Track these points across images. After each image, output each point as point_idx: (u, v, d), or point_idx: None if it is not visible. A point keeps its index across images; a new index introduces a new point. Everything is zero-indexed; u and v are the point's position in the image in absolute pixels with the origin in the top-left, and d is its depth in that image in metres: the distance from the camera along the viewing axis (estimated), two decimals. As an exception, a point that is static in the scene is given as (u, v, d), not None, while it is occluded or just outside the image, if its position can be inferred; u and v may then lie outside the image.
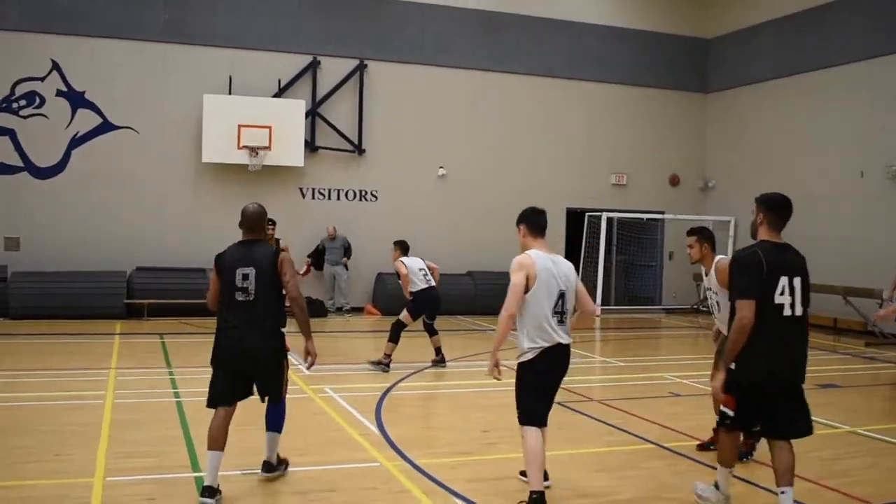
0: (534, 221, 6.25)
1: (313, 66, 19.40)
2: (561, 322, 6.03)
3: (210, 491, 5.95)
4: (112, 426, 8.11)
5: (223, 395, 6.35)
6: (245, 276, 6.24)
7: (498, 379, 6.02)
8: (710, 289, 7.48)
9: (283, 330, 6.39)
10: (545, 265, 6.03)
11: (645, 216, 21.93)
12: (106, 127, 18.10)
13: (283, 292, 6.34)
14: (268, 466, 6.69)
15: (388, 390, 10.31)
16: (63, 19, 17.78)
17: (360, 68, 19.75)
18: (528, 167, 21.14)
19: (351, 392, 10.07)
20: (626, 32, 22.11)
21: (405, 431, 8.28)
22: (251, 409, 9.32)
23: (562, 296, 6.03)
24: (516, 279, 5.95)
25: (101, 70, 18.03)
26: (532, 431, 6.00)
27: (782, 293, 5.62)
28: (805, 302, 5.74)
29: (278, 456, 6.75)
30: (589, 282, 21.17)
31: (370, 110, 19.90)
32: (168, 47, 18.42)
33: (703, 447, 7.79)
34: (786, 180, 20.29)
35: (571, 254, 21.56)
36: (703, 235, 7.56)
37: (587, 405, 9.68)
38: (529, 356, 5.99)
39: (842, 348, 15.59)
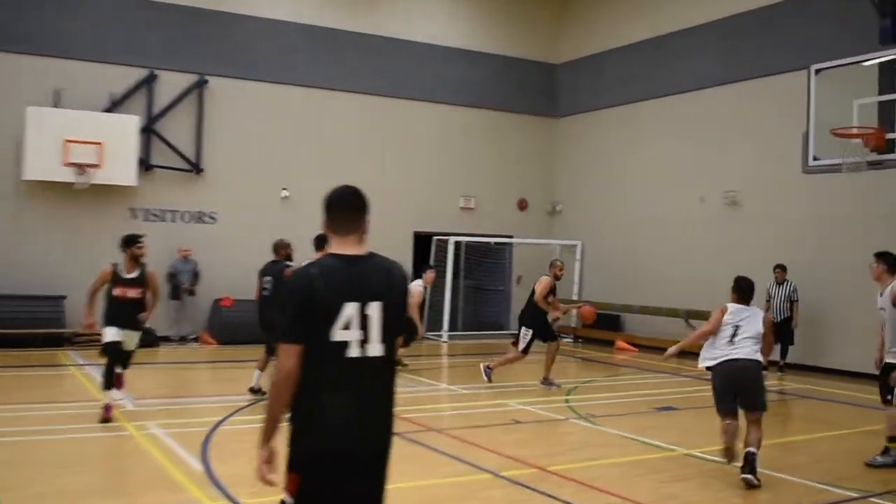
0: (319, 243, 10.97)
1: (149, 81, 18.76)
2: None
3: None
4: None
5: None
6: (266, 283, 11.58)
7: None
8: (883, 308, 8.76)
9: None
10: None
11: (493, 240, 22.23)
12: (-87, 140, 16.93)
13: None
14: None
15: (218, 425, 9.94)
16: None
17: (200, 84, 19.23)
18: (374, 189, 20.81)
19: (178, 428, 9.66)
20: (477, 55, 22.44)
21: (232, 468, 7.98)
22: (72, 451, 8.76)
23: None
24: None
25: None
26: None
27: None
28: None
29: None
30: (436, 307, 21.22)
31: (210, 128, 19.37)
32: (-14, 55, 17.43)
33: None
34: (631, 205, 21.08)
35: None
36: (883, 258, 8.88)
37: (426, 436, 9.61)
38: None
39: (685, 370, 16.14)
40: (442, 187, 22.04)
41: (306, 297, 3.69)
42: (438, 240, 21.45)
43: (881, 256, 8.97)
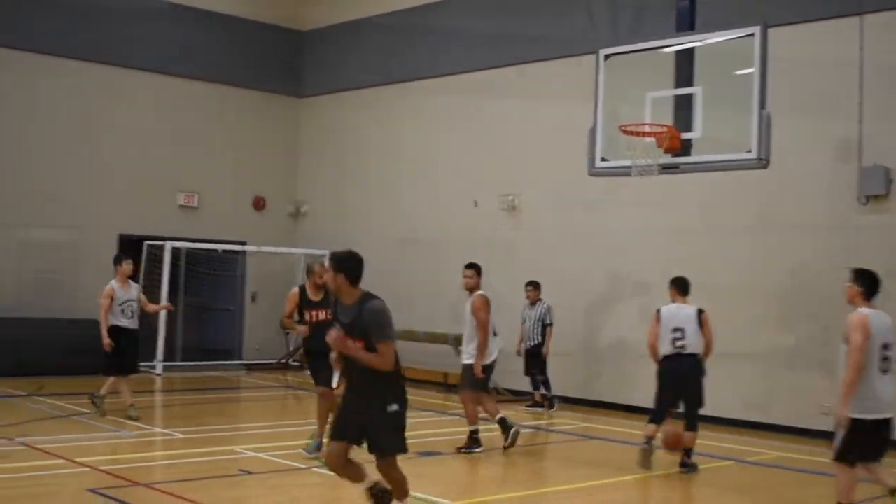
0: None
1: None
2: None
3: None
4: None
5: None
6: None
7: None
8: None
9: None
10: None
11: (221, 247, 21.95)
12: None
13: None
14: None
15: None
16: None
17: None
18: (67, 182, 20.26)
19: None
20: (203, 14, 22.11)
21: None
22: None
23: None
24: None
25: None
26: None
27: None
28: None
29: None
30: (149, 330, 20.73)
31: None
32: None
33: None
34: (392, 207, 21.38)
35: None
36: (860, 279, 8.61)
37: (131, 492, 9.42)
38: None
39: (451, 408, 16.58)
40: (156, 179, 21.51)
41: None
42: (151, 245, 20.91)
43: (858, 276, 8.72)
